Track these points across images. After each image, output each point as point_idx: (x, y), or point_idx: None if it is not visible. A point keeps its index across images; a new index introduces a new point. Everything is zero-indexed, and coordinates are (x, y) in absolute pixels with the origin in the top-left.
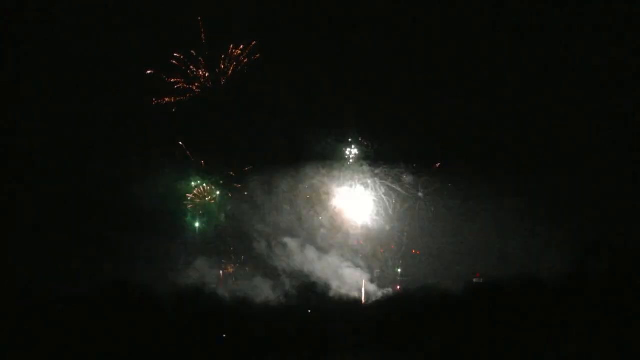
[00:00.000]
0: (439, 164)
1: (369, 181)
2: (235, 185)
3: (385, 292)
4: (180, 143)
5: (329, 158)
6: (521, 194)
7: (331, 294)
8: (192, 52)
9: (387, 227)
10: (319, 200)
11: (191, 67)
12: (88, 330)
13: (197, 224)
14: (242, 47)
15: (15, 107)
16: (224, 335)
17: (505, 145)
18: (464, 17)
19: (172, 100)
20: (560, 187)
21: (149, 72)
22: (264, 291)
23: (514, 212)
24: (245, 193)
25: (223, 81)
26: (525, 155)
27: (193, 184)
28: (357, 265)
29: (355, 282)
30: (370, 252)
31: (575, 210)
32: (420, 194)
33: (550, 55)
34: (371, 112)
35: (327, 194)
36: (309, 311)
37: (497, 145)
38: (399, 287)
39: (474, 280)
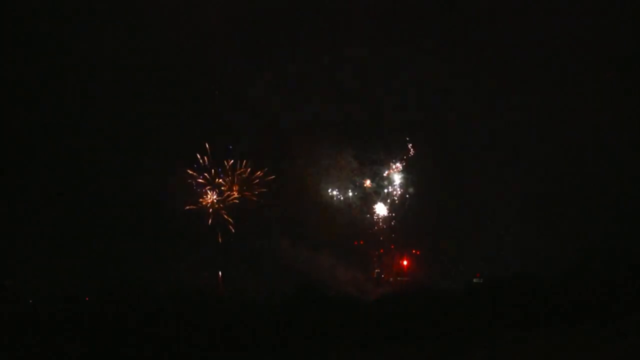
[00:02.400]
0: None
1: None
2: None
3: (384, 292)
4: None
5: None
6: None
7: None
8: None
9: (385, 227)
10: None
11: None
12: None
13: None
14: None
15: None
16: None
17: (505, 144)
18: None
19: None
20: (560, 187)
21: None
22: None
23: (513, 211)
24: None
25: None
26: (526, 155)
27: None
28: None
29: (354, 281)
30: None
31: (576, 211)
32: (412, 190)
33: (547, 55)
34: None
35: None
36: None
37: (497, 144)
38: (398, 287)
39: (474, 280)
